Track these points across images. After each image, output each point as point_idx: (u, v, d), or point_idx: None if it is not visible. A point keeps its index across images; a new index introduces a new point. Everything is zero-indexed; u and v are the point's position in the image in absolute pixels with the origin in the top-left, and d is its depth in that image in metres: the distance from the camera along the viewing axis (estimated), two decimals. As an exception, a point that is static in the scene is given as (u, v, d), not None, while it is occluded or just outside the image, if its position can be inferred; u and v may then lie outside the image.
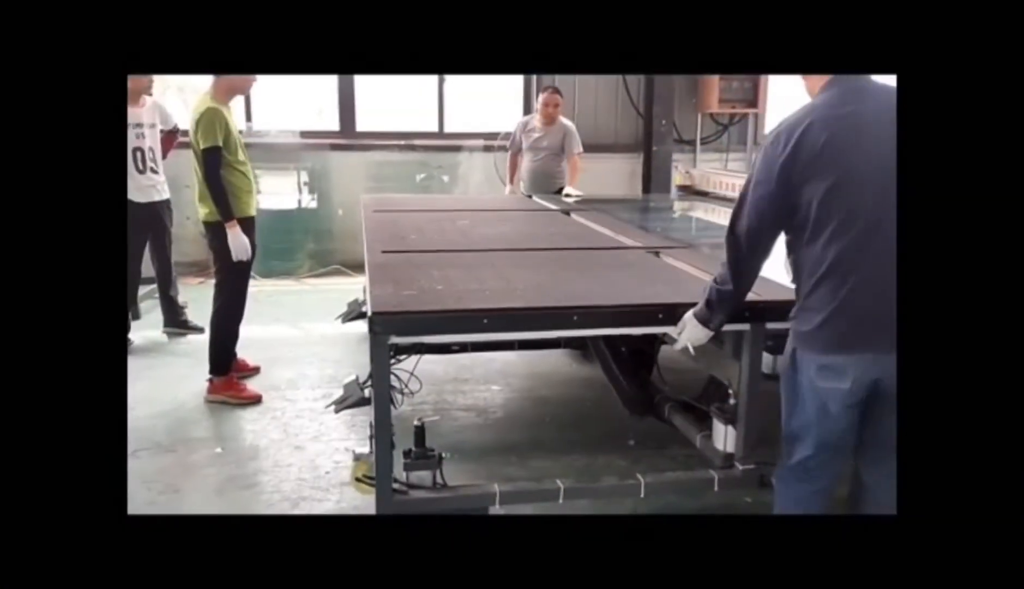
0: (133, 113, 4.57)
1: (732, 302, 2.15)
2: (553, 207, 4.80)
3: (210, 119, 3.64)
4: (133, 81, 4.53)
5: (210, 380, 3.92)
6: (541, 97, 5.45)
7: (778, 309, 2.22)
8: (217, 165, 3.68)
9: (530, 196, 5.43)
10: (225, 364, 3.94)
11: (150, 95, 4.69)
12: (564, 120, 5.54)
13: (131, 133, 4.57)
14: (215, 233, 3.81)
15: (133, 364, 4.41)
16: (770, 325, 2.34)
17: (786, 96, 6.84)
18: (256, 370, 4.27)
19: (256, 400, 3.90)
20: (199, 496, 2.98)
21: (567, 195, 5.32)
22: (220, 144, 3.66)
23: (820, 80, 1.95)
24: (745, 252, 2.06)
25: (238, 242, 3.77)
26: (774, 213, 1.96)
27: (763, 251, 2.06)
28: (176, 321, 4.99)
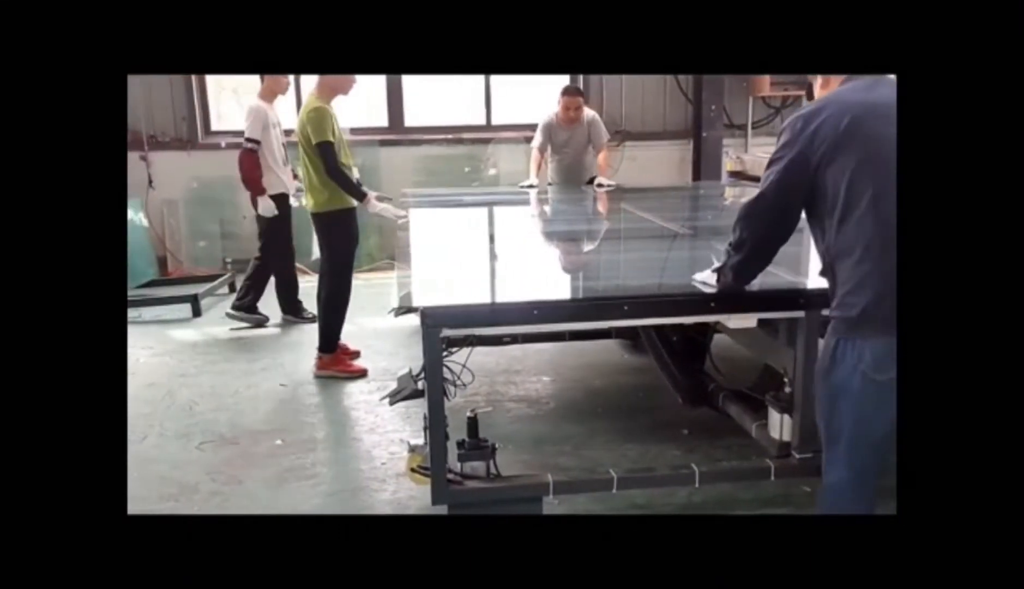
0: (273, 113, 4.88)
1: (738, 271, 2.18)
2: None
3: (320, 117, 3.89)
4: (272, 81, 4.82)
5: (319, 357, 4.21)
6: (561, 100, 5.12)
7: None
8: (334, 156, 3.92)
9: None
10: (332, 344, 4.22)
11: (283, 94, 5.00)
12: (587, 111, 5.28)
13: (276, 131, 4.87)
14: (322, 223, 4.09)
15: (196, 359, 4.58)
16: (825, 312, 2.29)
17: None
18: (356, 354, 4.43)
19: (363, 374, 4.19)
20: (261, 486, 3.08)
21: (599, 185, 5.18)
22: (331, 139, 3.90)
23: (837, 80, 1.96)
24: (761, 227, 2.04)
25: (375, 209, 4.08)
26: (793, 181, 1.91)
27: (778, 229, 2.03)
28: (246, 306, 5.18)
